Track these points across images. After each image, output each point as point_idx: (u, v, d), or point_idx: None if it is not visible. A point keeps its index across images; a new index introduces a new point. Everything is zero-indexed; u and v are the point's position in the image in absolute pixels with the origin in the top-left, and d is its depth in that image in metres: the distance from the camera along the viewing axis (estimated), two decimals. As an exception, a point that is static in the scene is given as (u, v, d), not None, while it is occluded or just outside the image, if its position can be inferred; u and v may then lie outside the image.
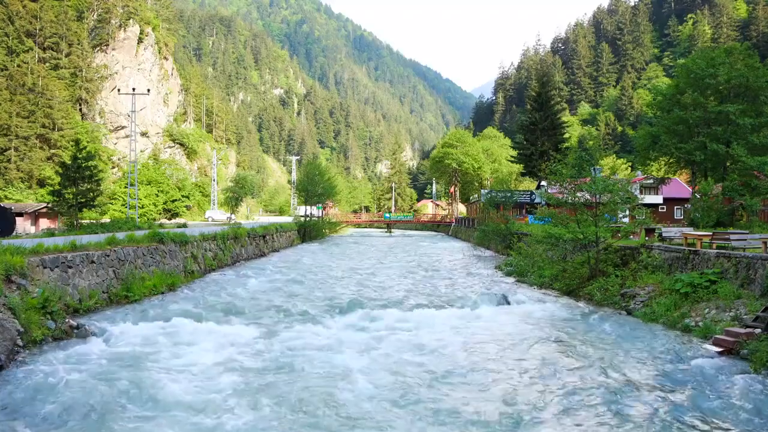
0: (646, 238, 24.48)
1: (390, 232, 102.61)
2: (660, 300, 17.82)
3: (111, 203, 69.51)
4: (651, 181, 48.47)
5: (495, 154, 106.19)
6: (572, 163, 26.18)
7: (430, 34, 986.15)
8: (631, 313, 18.41)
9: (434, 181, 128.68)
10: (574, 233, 22.96)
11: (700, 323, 15.37)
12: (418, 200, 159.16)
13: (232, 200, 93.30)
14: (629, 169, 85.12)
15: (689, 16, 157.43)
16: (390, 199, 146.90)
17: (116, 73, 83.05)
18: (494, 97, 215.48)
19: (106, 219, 50.34)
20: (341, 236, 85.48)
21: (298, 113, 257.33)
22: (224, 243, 34.72)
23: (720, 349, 13.08)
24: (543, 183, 57.02)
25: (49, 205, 41.34)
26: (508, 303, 21.28)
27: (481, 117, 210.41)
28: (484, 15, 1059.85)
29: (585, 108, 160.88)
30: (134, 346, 13.77)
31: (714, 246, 18.78)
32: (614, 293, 20.53)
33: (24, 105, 64.54)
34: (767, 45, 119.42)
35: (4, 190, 59.77)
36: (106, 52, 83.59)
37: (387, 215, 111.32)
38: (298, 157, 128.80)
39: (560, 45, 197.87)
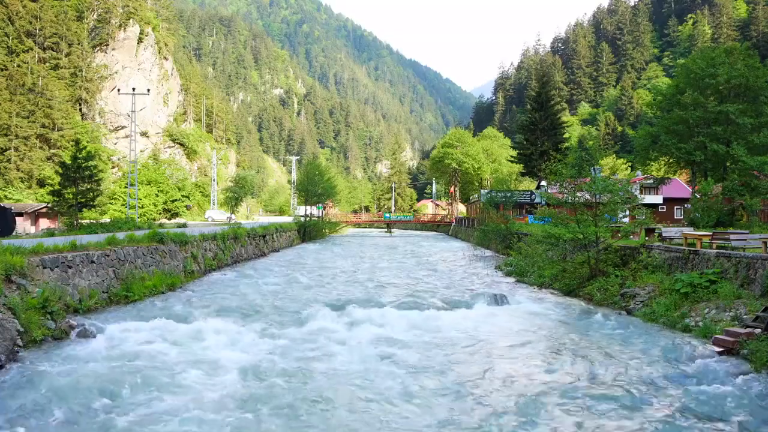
0: (646, 238, 24.46)
1: (390, 232, 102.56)
2: (660, 300, 17.81)
3: (111, 203, 69.55)
4: (651, 181, 48.49)
5: (495, 154, 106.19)
6: (572, 163, 26.13)
7: (430, 34, 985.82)
8: (631, 313, 18.40)
9: (434, 181, 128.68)
10: (574, 233, 22.95)
11: (700, 323, 15.36)
12: (418, 200, 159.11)
13: (232, 200, 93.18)
14: (629, 169, 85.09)
15: (689, 16, 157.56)
16: (390, 199, 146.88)
17: (116, 73, 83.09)
18: (494, 97, 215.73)
19: (106, 219, 50.32)
20: (341, 236, 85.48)
21: (298, 113, 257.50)
22: (224, 243, 34.71)
23: (720, 349, 13.08)
24: (543, 183, 57.05)
25: (49, 205, 41.33)
26: (508, 303, 21.28)
27: (481, 117, 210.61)
28: (484, 15, 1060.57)
29: (585, 108, 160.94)
30: (134, 346, 13.78)
31: (714, 246, 18.77)
32: (614, 293, 20.51)
33: (24, 105, 64.58)
34: (767, 45, 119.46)
35: (4, 190, 59.76)
36: (106, 52, 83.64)
37: (387, 215, 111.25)
38: (298, 157, 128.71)
39: (560, 45, 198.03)
